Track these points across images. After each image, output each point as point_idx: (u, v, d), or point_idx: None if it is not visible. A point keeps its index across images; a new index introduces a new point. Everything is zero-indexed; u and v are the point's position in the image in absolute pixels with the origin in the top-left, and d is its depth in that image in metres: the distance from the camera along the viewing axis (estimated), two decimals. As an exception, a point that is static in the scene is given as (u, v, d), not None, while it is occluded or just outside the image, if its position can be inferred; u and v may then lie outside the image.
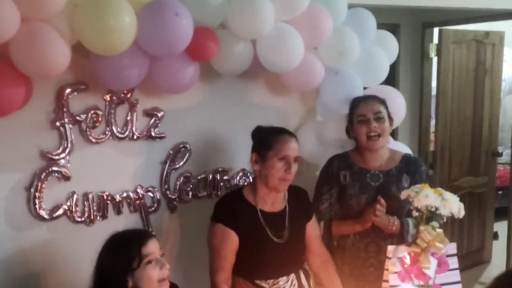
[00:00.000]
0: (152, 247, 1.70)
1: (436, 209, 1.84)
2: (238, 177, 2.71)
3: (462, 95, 4.23)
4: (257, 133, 2.19)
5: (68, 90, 2.17)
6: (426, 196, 1.84)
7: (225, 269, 2.08)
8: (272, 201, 2.16)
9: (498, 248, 4.63)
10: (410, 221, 2.17)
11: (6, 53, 1.78)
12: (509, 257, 3.55)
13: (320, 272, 2.27)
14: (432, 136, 4.29)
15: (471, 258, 4.48)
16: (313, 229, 2.26)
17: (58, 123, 2.18)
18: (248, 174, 2.73)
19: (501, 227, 4.86)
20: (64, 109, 2.18)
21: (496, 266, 4.51)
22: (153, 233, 2.45)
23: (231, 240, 2.06)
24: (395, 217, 2.19)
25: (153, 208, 2.49)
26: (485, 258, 4.70)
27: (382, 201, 2.15)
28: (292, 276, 2.16)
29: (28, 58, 1.76)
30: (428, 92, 4.10)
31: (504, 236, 4.41)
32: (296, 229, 2.17)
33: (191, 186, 2.58)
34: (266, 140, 2.10)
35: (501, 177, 5.39)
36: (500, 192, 5.09)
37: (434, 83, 4.22)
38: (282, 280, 2.12)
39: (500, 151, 4.71)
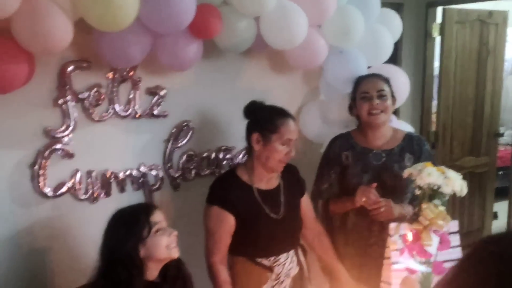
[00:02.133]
0: (159, 216, 1.76)
1: (439, 187, 1.84)
2: (240, 156, 2.72)
3: (464, 76, 4.21)
4: (257, 111, 2.15)
5: (70, 68, 2.17)
6: (428, 174, 1.84)
7: (221, 250, 2.09)
8: (268, 179, 2.16)
9: (498, 228, 4.65)
10: None
11: (8, 28, 1.76)
12: (509, 236, 3.55)
13: (314, 245, 2.30)
14: (434, 116, 4.28)
15: (471, 238, 4.50)
16: (306, 203, 2.29)
17: (61, 101, 2.17)
18: (250, 153, 2.74)
19: (500, 207, 4.89)
20: (67, 87, 2.17)
21: (496, 246, 4.53)
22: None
23: (226, 222, 2.06)
24: (410, 207, 2.19)
25: (156, 186, 2.50)
26: (485, 238, 4.72)
27: (374, 186, 2.14)
28: (292, 252, 2.18)
29: (30, 33, 1.74)
30: (431, 72, 4.08)
31: (503, 216, 4.43)
32: (291, 204, 2.19)
33: (194, 164, 2.59)
34: (270, 122, 2.08)
35: (502, 157, 5.40)
36: (500, 173, 5.10)
37: (436, 63, 4.19)
38: (283, 257, 2.14)
39: (501, 132, 4.71)
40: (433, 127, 4.23)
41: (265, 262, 2.12)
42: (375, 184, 2.15)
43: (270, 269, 2.11)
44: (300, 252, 2.23)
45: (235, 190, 2.10)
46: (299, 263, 2.20)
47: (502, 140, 5.11)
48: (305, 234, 2.29)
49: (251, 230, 2.09)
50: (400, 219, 2.16)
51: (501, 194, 4.80)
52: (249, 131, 2.14)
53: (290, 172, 2.24)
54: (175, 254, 1.77)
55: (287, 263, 2.15)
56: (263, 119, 2.12)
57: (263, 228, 2.09)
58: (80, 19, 1.87)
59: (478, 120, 4.41)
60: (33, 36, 1.74)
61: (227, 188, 2.11)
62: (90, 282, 1.74)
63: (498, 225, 4.74)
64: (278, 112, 2.13)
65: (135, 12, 1.86)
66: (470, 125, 4.36)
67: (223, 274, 2.08)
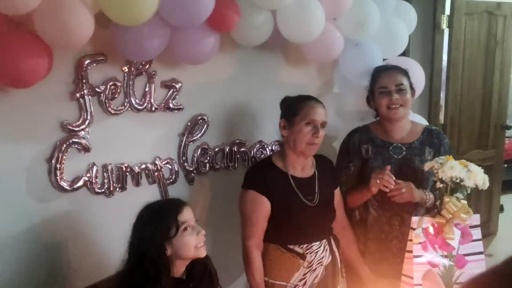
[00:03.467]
0: (188, 215, 1.73)
1: (461, 180, 1.84)
2: (255, 149, 2.72)
3: (472, 68, 4.19)
4: (285, 101, 2.22)
5: (87, 61, 2.15)
6: (451, 168, 1.84)
7: (257, 235, 2.11)
8: (302, 167, 2.18)
9: (504, 221, 4.68)
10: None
11: (29, 22, 1.75)
12: (517, 229, 3.58)
13: (340, 238, 2.31)
14: (441, 109, 4.27)
15: (478, 230, 4.52)
16: (338, 196, 2.30)
17: (78, 95, 2.16)
18: (265, 146, 2.74)
19: (507, 200, 4.90)
20: (84, 80, 2.16)
21: (503, 238, 4.57)
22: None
23: (262, 206, 2.09)
24: (430, 193, 2.17)
25: (171, 180, 2.49)
26: (491, 231, 4.74)
27: (388, 168, 2.12)
28: (324, 242, 2.19)
29: (52, 27, 1.73)
30: (439, 64, 4.06)
31: (509, 209, 4.45)
32: (326, 193, 2.21)
33: (208, 158, 2.59)
34: (293, 106, 2.14)
35: (508, 150, 5.41)
36: (506, 166, 5.11)
37: (444, 56, 4.17)
38: (315, 245, 2.15)
39: (509, 124, 4.71)
40: (441, 120, 4.22)
41: (298, 249, 2.13)
42: (389, 167, 2.14)
43: (303, 256, 2.13)
44: (333, 242, 2.24)
45: (270, 176, 2.12)
46: (331, 252, 2.20)
47: (508, 133, 5.10)
48: (333, 227, 2.30)
49: (285, 216, 2.10)
50: (421, 204, 2.15)
51: (506, 187, 4.82)
52: (280, 120, 2.18)
53: (325, 164, 2.28)
54: (202, 253, 1.76)
55: (319, 251, 2.16)
56: (287, 105, 2.18)
57: (297, 214, 2.11)
58: (97, 12, 1.86)
59: (485, 113, 4.40)
60: (56, 30, 1.73)
61: (262, 174, 2.14)
62: (118, 273, 1.74)
63: (504, 218, 4.75)
64: (301, 97, 2.18)
65: (155, 6, 1.85)
66: (477, 117, 4.34)
67: (257, 261, 2.10)
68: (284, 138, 2.17)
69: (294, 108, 2.12)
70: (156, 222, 1.69)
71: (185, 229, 1.70)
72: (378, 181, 2.11)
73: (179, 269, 1.75)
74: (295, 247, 2.13)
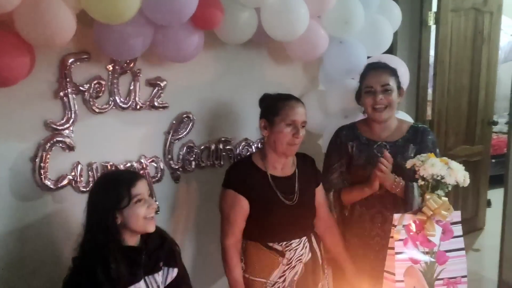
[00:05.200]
0: (142, 188, 1.78)
1: (442, 177, 1.86)
2: (240, 147, 2.72)
3: (459, 64, 4.21)
4: (265, 100, 2.21)
5: (70, 60, 2.15)
6: (432, 165, 1.85)
7: (235, 233, 2.13)
8: (282, 166, 2.19)
9: (491, 216, 4.71)
10: (415, 185, 2.16)
11: (10, 21, 1.74)
12: (504, 224, 3.61)
13: (325, 236, 2.32)
14: (429, 105, 4.29)
15: (465, 226, 4.44)
16: (320, 194, 2.30)
17: (61, 93, 2.16)
18: (251, 144, 2.74)
19: (493, 195, 4.94)
20: (67, 79, 2.16)
21: (489, 233, 4.61)
22: (156, 201, 2.48)
23: (241, 206, 2.10)
24: (401, 178, 2.18)
25: (157, 178, 2.50)
26: (478, 225, 4.78)
27: (388, 155, 2.14)
28: (304, 239, 2.20)
29: (33, 26, 1.72)
30: (426, 60, 4.07)
31: (496, 204, 4.48)
32: (306, 192, 2.21)
33: (194, 156, 2.59)
34: (273, 106, 2.13)
35: (494, 145, 5.45)
36: (493, 161, 5.14)
37: (431, 52, 4.19)
38: (295, 242, 2.16)
39: (496, 120, 4.74)
40: (428, 116, 4.24)
41: (277, 246, 2.15)
42: (386, 153, 2.15)
43: (282, 253, 2.14)
44: (313, 239, 2.25)
45: (250, 175, 2.14)
46: (311, 249, 2.22)
47: (495, 128, 5.14)
48: (318, 225, 2.31)
49: (264, 214, 2.12)
50: (401, 201, 2.17)
51: (493, 182, 4.85)
52: (259, 120, 2.18)
53: (306, 162, 2.28)
54: (151, 227, 1.80)
55: (298, 249, 2.17)
56: (267, 105, 2.18)
57: (275, 213, 2.12)
58: (80, 11, 1.85)
59: (472, 109, 4.42)
60: (37, 29, 1.72)
61: (242, 173, 2.15)
62: (78, 243, 1.77)
63: (491, 213, 4.79)
64: (281, 97, 2.17)
65: (137, 4, 1.85)
66: (464, 113, 4.37)
67: (235, 258, 2.13)
68: (265, 138, 2.17)
69: (274, 109, 2.12)
70: (109, 191, 1.74)
71: (138, 201, 1.75)
72: (377, 172, 2.13)
73: (131, 238, 1.79)
74: (274, 245, 2.15)
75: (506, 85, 6.73)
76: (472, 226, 4.70)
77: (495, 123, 4.74)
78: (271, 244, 2.15)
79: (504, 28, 5.20)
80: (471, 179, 1.93)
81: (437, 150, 2.27)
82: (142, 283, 1.79)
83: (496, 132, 5.81)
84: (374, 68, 2.34)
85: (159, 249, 1.87)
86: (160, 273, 1.86)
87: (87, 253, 1.72)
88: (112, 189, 1.75)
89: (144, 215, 1.76)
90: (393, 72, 2.32)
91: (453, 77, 4.20)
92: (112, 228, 1.71)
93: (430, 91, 4.22)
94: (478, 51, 4.33)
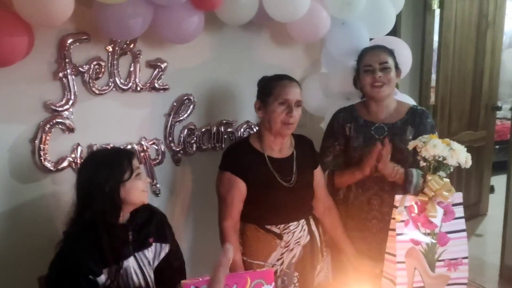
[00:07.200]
0: (137, 162, 1.84)
1: (444, 159, 1.83)
2: (242, 129, 2.71)
3: (463, 49, 4.18)
4: (261, 82, 2.19)
5: (70, 41, 2.13)
6: (434, 146, 1.83)
7: (232, 216, 2.11)
8: (279, 147, 2.17)
9: (494, 202, 4.70)
10: (415, 172, 2.17)
11: (7, 1, 1.72)
12: (506, 210, 3.60)
13: (324, 218, 2.31)
14: (432, 90, 4.26)
15: (468, 211, 4.52)
16: (319, 176, 2.29)
17: (61, 74, 2.15)
18: (252, 126, 2.73)
19: (497, 181, 4.93)
20: (67, 60, 2.15)
21: (492, 219, 4.59)
22: (158, 185, 2.47)
23: (238, 188, 2.09)
24: (400, 166, 2.18)
25: (157, 161, 2.49)
26: (481, 211, 4.77)
27: (387, 143, 2.12)
28: (302, 221, 2.19)
29: (30, 5, 1.71)
30: (430, 45, 4.04)
31: (499, 189, 4.46)
32: (304, 174, 2.19)
33: (195, 138, 2.57)
34: (266, 87, 2.12)
35: (498, 131, 5.42)
36: (497, 147, 5.12)
37: (435, 36, 4.15)
38: (293, 225, 2.15)
39: (500, 105, 4.71)
40: (432, 101, 4.20)
41: (275, 229, 2.13)
42: (387, 141, 2.13)
43: (280, 236, 2.13)
44: (312, 221, 2.24)
45: (247, 157, 2.12)
46: (310, 232, 2.20)
47: (498, 114, 5.10)
48: (317, 206, 2.30)
49: (261, 197, 2.10)
50: (398, 184, 2.16)
51: (497, 168, 4.83)
52: (255, 102, 2.16)
53: (305, 144, 2.26)
54: (145, 199, 1.84)
55: (297, 231, 2.16)
56: (262, 86, 2.16)
57: (273, 195, 2.11)
58: (80, -10, 1.84)
59: (476, 94, 4.39)
60: (35, 8, 1.70)
61: (239, 155, 2.14)
62: (69, 219, 1.77)
63: (494, 199, 4.77)
64: (275, 77, 2.15)
65: (136, -18, 1.83)
66: (468, 98, 4.34)
67: (233, 241, 2.10)
68: (260, 119, 2.16)
69: (267, 89, 2.10)
70: (113, 165, 1.74)
71: (138, 174, 1.79)
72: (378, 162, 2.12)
73: (125, 214, 1.80)
74: (272, 227, 2.13)
75: (510, 71, 6.72)
76: (475, 211, 4.69)
77: (499, 108, 4.70)
78: (268, 227, 2.13)
79: (509, 13, 5.16)
80: (474, 165, 1.91)
81: (436, 134, 2.24)
82: (132, 259, 1.79)
83: (500, 118, 5.77)
84: (372, 48, 2.34)
85: (148, 224, 1.87)
86: (150, 249, 1.86)
87: (80, 229, 1.71)
88: (115, 163, 1.75)
89: (142, 188, 1.80)
90: (391, 52, 2.31)
91: (457, 62, 4.16)
92: (117, 202, 1.72)
93: (434, 76, 4.18)
94: (482, 35, 4.29)
